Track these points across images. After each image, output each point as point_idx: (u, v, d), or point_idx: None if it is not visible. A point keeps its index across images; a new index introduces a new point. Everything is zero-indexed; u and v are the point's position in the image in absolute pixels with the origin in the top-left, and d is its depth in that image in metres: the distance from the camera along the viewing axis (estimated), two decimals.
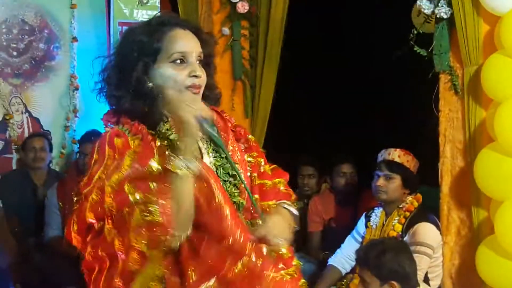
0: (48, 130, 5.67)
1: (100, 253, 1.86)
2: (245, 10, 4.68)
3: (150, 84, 1.99)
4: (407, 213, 4.03)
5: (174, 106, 1.88)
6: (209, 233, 1.88)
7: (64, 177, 5.10)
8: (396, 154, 4.09)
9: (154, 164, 1.86)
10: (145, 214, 1.79)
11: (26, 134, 5.55)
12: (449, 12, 3.81)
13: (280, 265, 2.04)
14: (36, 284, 4.55)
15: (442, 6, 3.81)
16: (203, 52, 2.04)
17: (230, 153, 2.05)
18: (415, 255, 3.52)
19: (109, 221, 1.85)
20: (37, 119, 5.66)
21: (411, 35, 3.93)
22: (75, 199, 1.92)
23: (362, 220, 4.26)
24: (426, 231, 3.94)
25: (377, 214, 4.17)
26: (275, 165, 2.27)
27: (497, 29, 3.67)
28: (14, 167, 5.53)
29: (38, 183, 5.23)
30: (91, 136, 4.60)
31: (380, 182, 4.08)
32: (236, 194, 2.05)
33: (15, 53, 5.59)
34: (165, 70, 1.98)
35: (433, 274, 3.99)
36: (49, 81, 5.68)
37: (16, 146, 5.52)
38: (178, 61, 1.99)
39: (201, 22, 4.71)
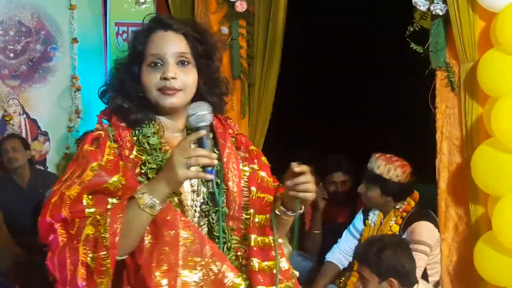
0: (45, 132, 5.67)
1: (55, 261, 1.88)
2: (244, 9, 4.67)
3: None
4: (404, 214, 4.05)
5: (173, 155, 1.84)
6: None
7: None
8: (376, 165, 4.04)
9: (115, 179, 1.88)
10: (95, 230, 1.82)
11: (24, 135, 5.55)
12: (445, 9, 3.80)
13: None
14: (34, 286, 4.55)
15: (437, 2, 3.80)
16: (196, 50, 2.02)
17: (225, 160, 2.03)
18: (413, 254, 3.53)
19: (62, 230, 1.88)
20: (35, 120, 5.66)
21: (407, 32, 3.93)
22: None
23: (360, 216, 4.27)
24: (423, 229, 3.95)
25: (375, 213, 4.17)
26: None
27: (493, 25, 3.67)
28: None
29: (22, 184, 5.21)
30: None
31: (360, 189, 4.13)
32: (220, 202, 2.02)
33: (12, 55, 5.60)
34: (144, 74, 2.00)
35: (432, 270, 4.00)
36: (47, 82, 5.69)
37: None
38: (152, 64, 1.99)
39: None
